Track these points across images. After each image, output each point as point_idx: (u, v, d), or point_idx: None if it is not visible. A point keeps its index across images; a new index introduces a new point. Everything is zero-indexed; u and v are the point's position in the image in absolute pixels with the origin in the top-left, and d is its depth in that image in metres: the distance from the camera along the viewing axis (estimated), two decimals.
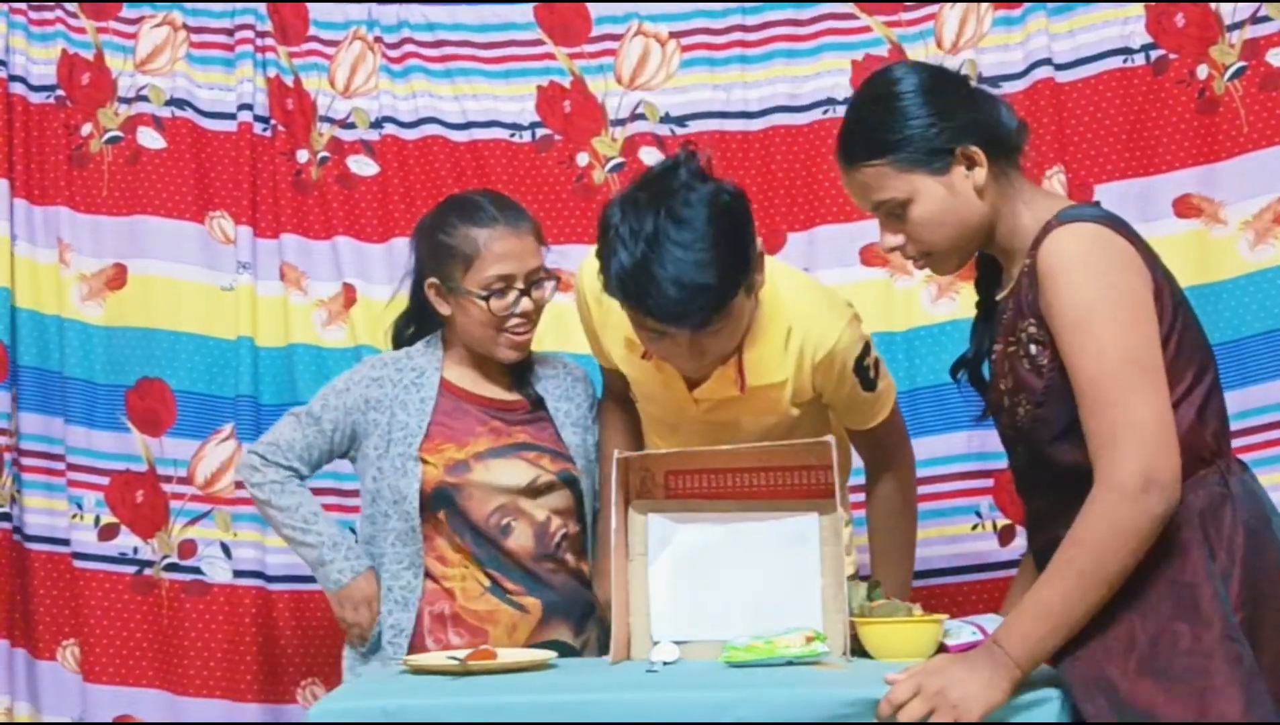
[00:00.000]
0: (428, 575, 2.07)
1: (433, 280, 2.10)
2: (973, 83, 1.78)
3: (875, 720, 1.49)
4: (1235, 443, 2.30)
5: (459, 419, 2.10)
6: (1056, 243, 1.59)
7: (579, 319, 2.14)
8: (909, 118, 1.66)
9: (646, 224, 1.74)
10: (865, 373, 1.99)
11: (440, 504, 2.06)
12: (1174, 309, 1.61)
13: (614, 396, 2.23)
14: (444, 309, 2.11)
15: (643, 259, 1.73)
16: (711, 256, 1.74)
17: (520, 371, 2.16)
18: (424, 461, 2.05)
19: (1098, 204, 1.72)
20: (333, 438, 2.12)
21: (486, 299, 2.05)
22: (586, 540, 2.15)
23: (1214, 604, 1.53)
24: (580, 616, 2.12)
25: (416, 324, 2.20)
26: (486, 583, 2.06)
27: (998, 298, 1.75)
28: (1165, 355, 1.58)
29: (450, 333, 2.16)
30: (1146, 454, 1.50)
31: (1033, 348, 1.63)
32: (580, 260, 2.06)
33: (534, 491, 2.09)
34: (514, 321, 2.07)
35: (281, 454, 2.12)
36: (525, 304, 2.07)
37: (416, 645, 2.05)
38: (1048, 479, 1.66)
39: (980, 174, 1.66)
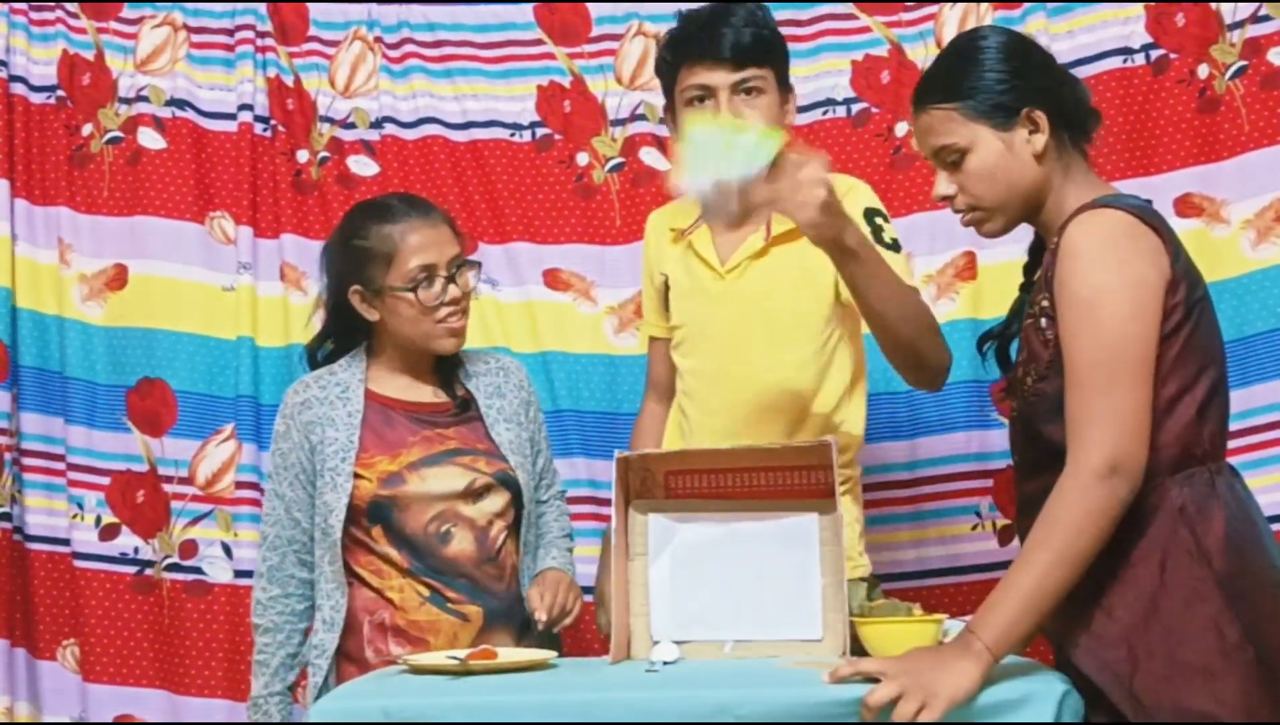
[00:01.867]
0: (366, 585, 2.06)
1: (355, 287, 2.07)
2: None
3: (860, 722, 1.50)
4: (1238, 442, 2.35)
5: (389, 429, 2.08)
6: (1083, 223, 1.63)
7: (643, 271, 2.27)
8: (985, 70, 1.72)
9: (708, 5, 2.10)
10: (877, 228, 2.02)
11: (376, 518, 2.03)
12: (1189, 306, 1.62)
13: (655, 391, 2.25)
14: (372, 315, 2.09)
15: (704, 18, 2.06)
16: (762, 20, 2.06)
17: (448, 372, 2.13)
18: (357, 475, 2.03)
19: (1149, 202, 1.75)
20: (309, 476, 2.08)
21: (414, 290, 2.03)
22: (521, 537, 2.12)
23: (1196, 596, 1.56)
24: (521, 623, 2.09)
25: (335, 343, 2.16)
26: (426, 593, 2.04)
27: (1035, 277, 1.79)
28: (1172, 349, 1.60)
29: (378, 341, 2.13)
30: (1117, 441, 1.54)
31: (1043, 321, 1.67)
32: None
33: (472, 495, 2.06)
34: (445, 310, 2.05)
35: (274, 552, 2.09)
36: (453, 291, 2.05)
37: (355, 655, 2.04)
38: (1040, 459, 1.67)
39: (1040, 140, 1.71)
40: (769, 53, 2.05)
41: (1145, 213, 1.65)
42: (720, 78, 2.02)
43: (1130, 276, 1.58)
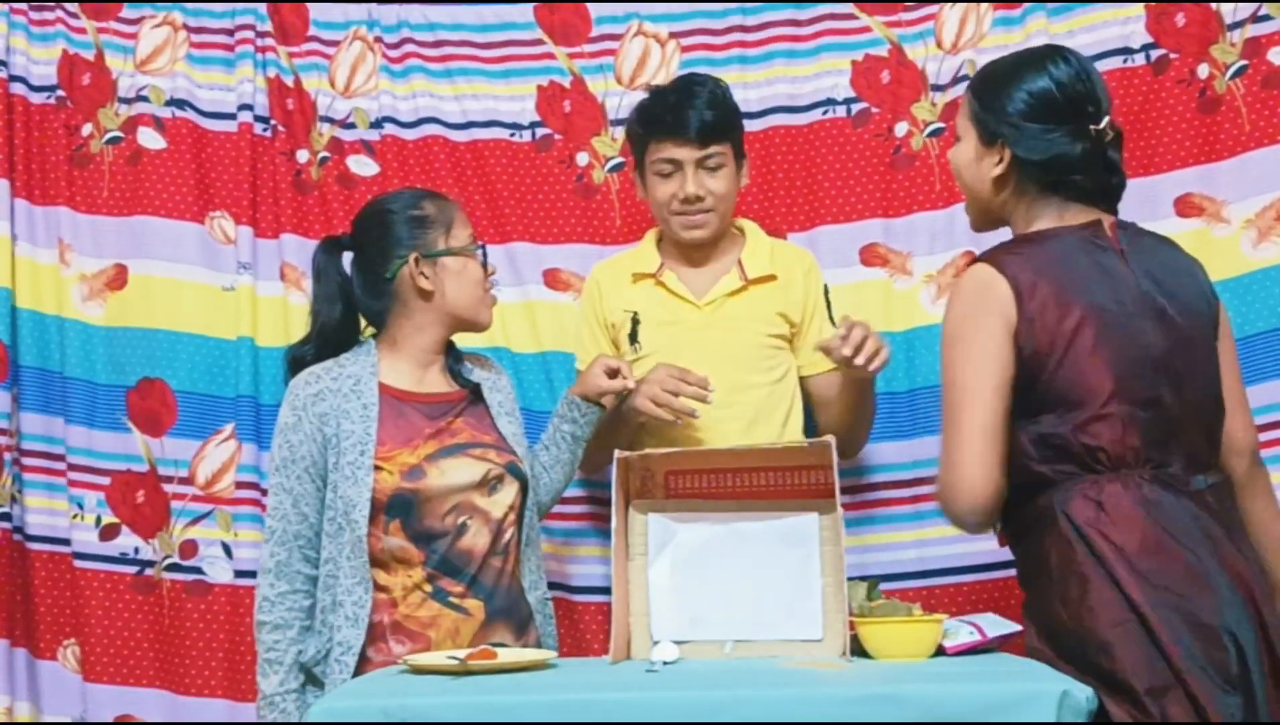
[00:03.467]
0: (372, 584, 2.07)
1: (414, 255, 2.14)
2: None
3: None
4: None
5: (403, 422, 2.11)
6: (963, 272, 1.85)
7: (583, 318, 2.48)
8: (1007, 90, 1.85)
9: (674, 84, 2.41)
10: (829, 304, 2.44)
11: (397, 510, 2.05)
12: (1071, 338, 1.74)
13: None
14: (426, 284, 2.14)
15: (673, 100, 2.34)
16: (721, 99, 2.34)
17: (453, 365, 2.21)
18: (378, 468, 2.05)
19: (1048, 235, 1.85)
20: (321, 470, 2.09)
21: (481, 249, 2.18)
22: (523, 531, 2.15)
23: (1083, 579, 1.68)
24: (521, 620, 2.11)
25: (318, 349, 2.19)
26: (429, 588, 2.05)
27: None
28: (1044, 378, 1.74)
29: (396, 331, 2.17)
30: (949, 476, 1.74)
31: None
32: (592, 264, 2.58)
33: (486, 486, 2.09)
34: (489, 280, 2.21)
35: (281, 548, 2.08)
36: (489, 266, 2.23)
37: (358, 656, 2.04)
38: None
39: (999, 169, 1.85)
40: (729, 129, 2.34)
41: (1010, 259, 1.79)
42: (686, 154, 2.31)
43: (966, 325, 1.78)
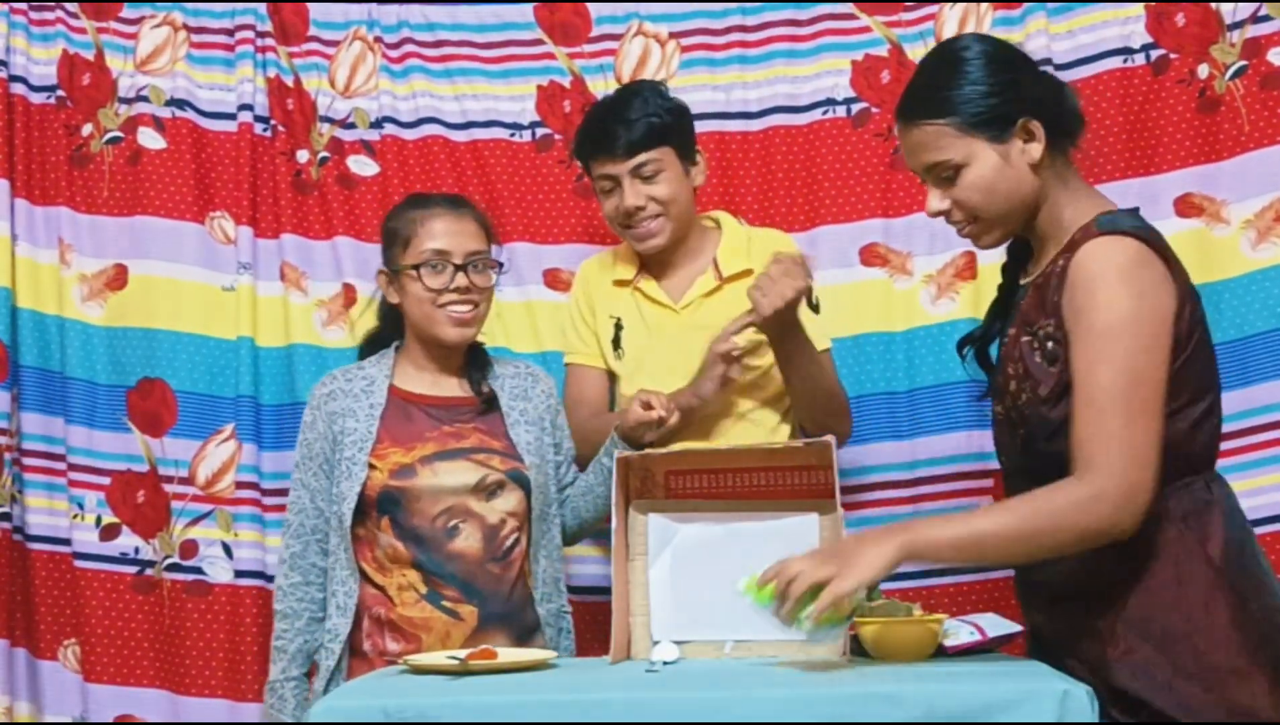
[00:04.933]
0: (368, 579, 2.09)
1: (381, 269, 2.19)
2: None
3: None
4: (1238, 442, 2.36)
5: (407, 424, 2.13)
6: (1097, 250, 1.61)
7: (574, 312, 2.46)
8: (974, 82, 1.68)
9: (610, 98, 2.42)
10: (809, 288, 2.30)
11: (385, 508, 2.07)
12: (1191, 327, 1.64)
13: (587, 407, 2.38)
14: (394, 298, 2.17)
15: (601, 114, 2.36)
16: (654, 107, 2.30)
17: (476, 371, 2.20)
18: (371, 466, 2.08)
19: (1135, 211, 1.73)
20: (331, 466, 2.13)
21: (418, 268, 2.10)
22: (532, 540, 2.14)
23: (1212, 600, 1.59)
24: (524, 630, 2.11)
25: (375, 340, 2.28)
26: (423, 589, 2.07)
27: (1021, 282, 1.78)
28: (1172, 367, 1.61)
29: (406, 336, 2.21)
30: (1137, 474, 1.55)
31: (1050, 344, 1.65)
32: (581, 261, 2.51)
33: (484, 491, 2.09)
34: (449, 297, 2.12)
35: (297, 540, 2.14)
36: (460, 280, 2.11)
37: (356, 647, 2.08)
38: (1038, 468, 1.68)
39: (1036, 149, 1.68)
40: (663, 135, 2.30)
41: (1149, 236, 1.65)
42: (618, 168, 2.30)
43: (1146, 308, 1.58)
